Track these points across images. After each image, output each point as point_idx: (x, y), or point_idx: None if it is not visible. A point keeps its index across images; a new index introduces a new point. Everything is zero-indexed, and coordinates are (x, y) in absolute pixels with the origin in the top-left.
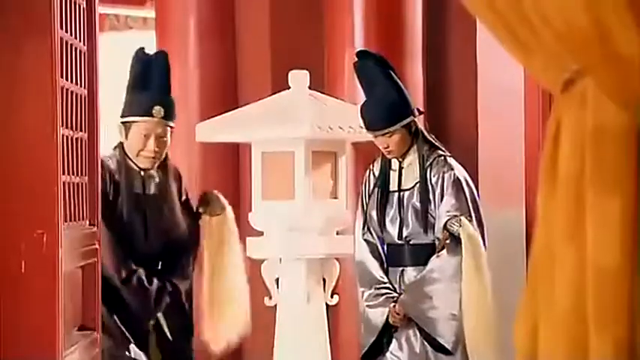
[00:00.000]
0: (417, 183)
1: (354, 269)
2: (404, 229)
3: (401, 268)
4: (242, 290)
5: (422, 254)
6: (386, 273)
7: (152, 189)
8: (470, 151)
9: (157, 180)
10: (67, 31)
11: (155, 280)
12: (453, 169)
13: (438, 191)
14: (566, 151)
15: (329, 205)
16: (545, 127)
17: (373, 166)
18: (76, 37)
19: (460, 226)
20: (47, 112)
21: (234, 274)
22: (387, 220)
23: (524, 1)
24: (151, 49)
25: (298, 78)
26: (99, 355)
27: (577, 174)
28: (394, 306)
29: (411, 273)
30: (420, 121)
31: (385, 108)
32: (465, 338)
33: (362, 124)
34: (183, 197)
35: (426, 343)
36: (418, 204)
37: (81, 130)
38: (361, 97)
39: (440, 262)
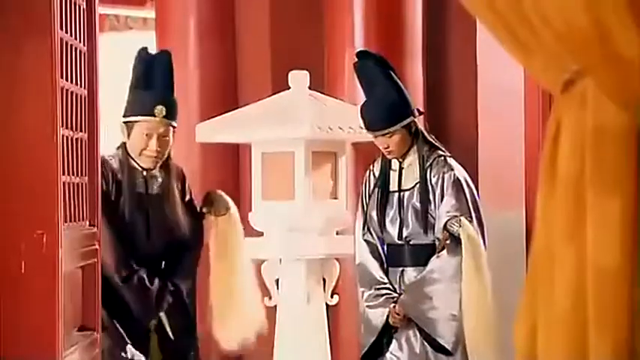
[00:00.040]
0: (417, 183)
1: (354, 269)
2: (404, 229)
3: (401, 269)
4: (252, 289)
5: (422, 254)
6: (386, 273)
7: (155, 188)
8: (470, 151)
9: (160, 180)
10: (67, 32)
11: (156, 280)
12: (453, 170)
13: (438, 192)
14: (566, 151)
15: (329, 206)
16: (545, 127)
17: (373, 166)
18: (76, 38)
19: (460, 226)
20: (47, 112)
21: (242, 274)
22: (387, 220)
23: (524, 2)
24: (152, 50)
25: (298, 78)
26: (99, 355)
27: (577, 174)
28: (394, 306)
29: (411, 273)
30: (420, 122)
31: (385, 108)
32: (465, 338)
33: (362, 125)
34: (187, 197)
35: (425, 343)
36: (418, 204)
37: (81, 131)
38: (361, 97)
39: (440, 263)
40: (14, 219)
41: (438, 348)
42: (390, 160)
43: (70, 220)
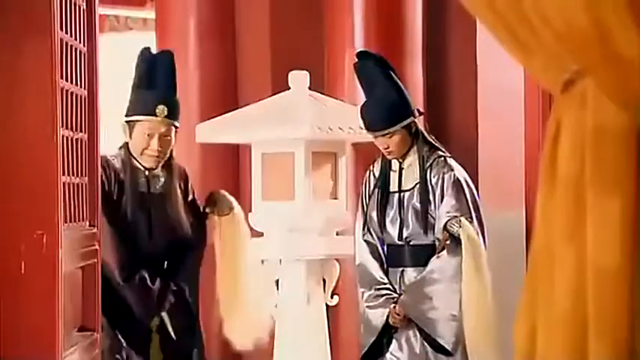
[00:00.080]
0: (417, 184)
1: (354, 270)
2: (404, 229)
3: (401, 269)
4: (260, 288)
5: (422, 255)
6: (386, 274)
7: (157, 188)
8: (470, 152)
9: (162, 179)
10: (67, 32)
11: (158, 280)
12: (453, 170)
13: (438, 192)
14: (566, 151)
15: (329, 206)
16: (545, 127)
17: (373, 166)
18: (76, 38)
19: (460, 226)
20: (47, 112)
21: (248, 274)
22: (387, 220)
23: (524, 2)
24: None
25: (298, 78)
26: (99, 356)
27: (577, 174)
28: (394, 307)
29: (411, 274)
30: (420, 122)
31: (385, 108)
32: (465, 339)
33: (362, 125)
34: (190, 197)
35: (426, 343)
36: (418, 205)
37: (81, 131)
38: (361, 97)
39: (440, 263)
40: (14, 219)
41: (438, 348)
42: (390, 161)
43: (70, 221)
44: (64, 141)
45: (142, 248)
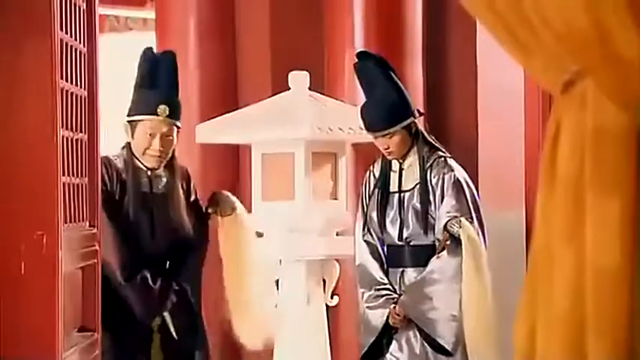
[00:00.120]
0: (417, 184)
1: (354, 270)
2: (404, 230)
3: (401, 269)
4: (267, 287)
5: (422, 255)
6: (386, 274)
7: (159, 188)
8: (470, 152)
9: (165, 179)
10: (67, 33)
11: (160, 280)
12: (453, 171)
13: (438, 192)
14: (566, 152)
15: (329, 206)
16: (545, 127)
17: (373, 167)
18: (76, 39)
19: (460, 227)
20: (47, 113)
21: (253, 273)
22: (388, 221)
23: (524, 2)
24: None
25: (298, 79)
26: (99, 356)
27: (577, 175)
28: (394, 307)
29: (411, 274)
30: (420, 122)
31: (385, 109)
32: (465, 339)
33: (362, 125)
34: (192, 197)
35: (426, 344)
36: (418, 205)
37: (81, 132)
38: (361, 98)
39: (440, 263)
40: (14, 220)
41: (438, 348)
42: (390, 161)
43: (70, 221)
44: (64, 141)
45: (144, 248)
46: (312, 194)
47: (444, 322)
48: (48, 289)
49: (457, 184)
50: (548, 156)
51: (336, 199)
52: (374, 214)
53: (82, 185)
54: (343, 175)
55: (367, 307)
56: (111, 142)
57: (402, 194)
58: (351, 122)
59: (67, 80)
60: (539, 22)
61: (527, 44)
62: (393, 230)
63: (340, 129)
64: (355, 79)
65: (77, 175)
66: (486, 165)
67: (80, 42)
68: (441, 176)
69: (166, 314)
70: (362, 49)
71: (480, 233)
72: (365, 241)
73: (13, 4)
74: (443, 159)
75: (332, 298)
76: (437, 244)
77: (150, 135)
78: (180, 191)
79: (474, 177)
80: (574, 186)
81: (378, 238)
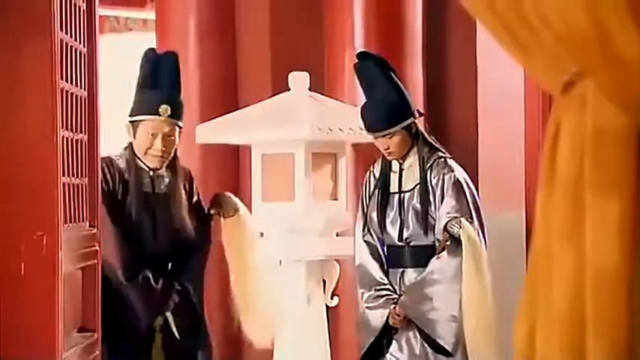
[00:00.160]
0: (417, 184)
1: (354, 271)
2: (404, 230)
3: (401, 270)
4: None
5: (422, 256)
6: (386, 274)
7: (161, 188)
8: (470, 152)
9: (167, 179)
10: (67, 33)
11: (162, 280)
12: (453, 171)
13: (438, 193)
14: (566, 152)
15: (329, 207)
16: (545, 127)
17: (373, 167)
18: (76, 39)
19: (460, 227)
20: (47, 113)
21: (257, 274)
22: (388, 221)
23: (524, 3)
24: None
25: (298, 79)
26: (99, 356)
27: (576, 175)
28: (394, 307)
29: (411, 274)
30: (420, 123)
31: (385, 109)
32: (465, 339)
33: (362, 126)
34: (195, 198)
35: (426, 344)
36: (418, 205)
37: (81, 132)
38: (361, 98)
39: (440, 264)
40: (14, 220)
41: (438, 349)
42: (390, 162)
43: (70, 221)
44: (64, 142)
45: (146, 248)
46: (312, 195)
47: (444, 323)
48: (48, 290)
49: (457, 184)
50: (548, 156)
51: (336, 199)
52: (374, 215)
53: (82, 185)
54: (343, 176)
55: (367, 307)
56: (111, 142)
57: (402, 195)
58: (351, 123)
59: (67, 80)
60: (539, 23)
61: (527, 44)
62: (393, 231)
63: (340, 129)
64: (355, 80)
65: (77, 176)
66: (486, 165)
67: (80, 42)
68: (441, 177)
69: (169, 314)
70: (362, 50)
71: (480, 233)
72: (365, 241)
73: (13, 4)
74: (443, 159)
75: (332, 298)
76: (437, 244)
77: (152, 135)
78: (182, 191)
79: (474, 177)
80: (574, 186)
81: (378, 239)
